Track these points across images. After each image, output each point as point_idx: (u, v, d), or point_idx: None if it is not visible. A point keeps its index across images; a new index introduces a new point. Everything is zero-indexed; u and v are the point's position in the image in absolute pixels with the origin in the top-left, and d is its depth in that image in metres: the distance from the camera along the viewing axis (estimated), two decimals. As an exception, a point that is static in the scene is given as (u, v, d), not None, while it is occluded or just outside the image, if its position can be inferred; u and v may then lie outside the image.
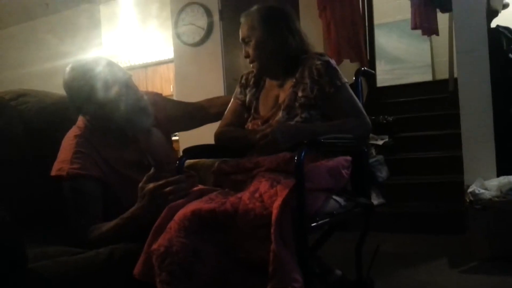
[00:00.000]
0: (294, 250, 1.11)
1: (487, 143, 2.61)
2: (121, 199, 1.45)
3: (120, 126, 1.49)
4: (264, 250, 1.10)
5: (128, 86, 1.49)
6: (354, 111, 1.51)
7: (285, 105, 1.52)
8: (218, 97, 1.91)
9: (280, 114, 1.52)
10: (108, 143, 1.50)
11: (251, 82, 1.69)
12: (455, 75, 2.94)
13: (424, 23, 4.12)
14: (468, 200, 2.36)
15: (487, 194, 2.31)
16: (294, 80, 1.55)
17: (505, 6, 3.71)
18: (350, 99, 1.52)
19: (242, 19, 1.63)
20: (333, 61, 1.56)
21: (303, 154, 1.19)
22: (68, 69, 1.48)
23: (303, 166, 1.19)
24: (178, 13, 3.73)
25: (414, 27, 4.19)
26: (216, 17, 3.60)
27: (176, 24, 3.76)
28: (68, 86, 1.48)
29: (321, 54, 1.57)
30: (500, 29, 3.26)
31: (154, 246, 1.19)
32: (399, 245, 2.63)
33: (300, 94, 1.51)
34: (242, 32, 1.62)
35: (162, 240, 1.19)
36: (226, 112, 1.71)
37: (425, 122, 3.80)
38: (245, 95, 1.68)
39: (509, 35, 3.26)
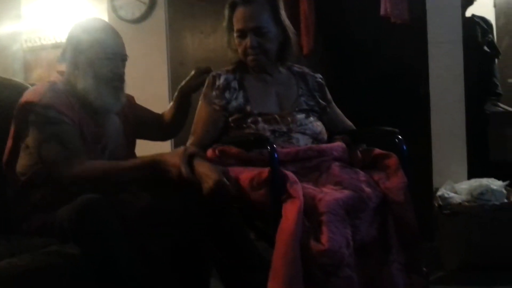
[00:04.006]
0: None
1: (458, 143, 2.75)
2: None
3: (90, 92, 1.63)
4: (376, 230, 1.45)
5: (121, 61, 1.71)
6: (346, 119, 1.91)
7: (300, 108, 1.78)
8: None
9: (297, 115, 1.75)
10: (80, 104, 1.64)
11: (236, 85, 1.76)
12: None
13: (395, 9, 4.25)
14: (436, 205, 2.47)
15: (456, 198, 2.43)
16: (299, 90, 1.83)
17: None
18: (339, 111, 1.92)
19: (248, 7, 1.71)
20: None
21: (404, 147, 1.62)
22: (85, 18, 1.80)
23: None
24: (115, -17, 3.64)
25: (384, 14, 4.32)
26: (160, -10, 3.54)
27: (112, -4, 3.66)
28: (79, 28, 1.70)
29: (313, 72, 1.92)
30: (476, 19, 3.43)
31: (324, 246, 1.28)
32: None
33: (306, 102, 1.82)
34: (254, 21, 1.70)
35: (335, 234, 1.30)
36: (199, 120, 1.76)
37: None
38: (226, 99, 1.74)
39: (484, 25, 3.44)
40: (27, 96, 1.60)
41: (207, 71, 1.89)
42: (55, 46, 4.73)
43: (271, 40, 1.74)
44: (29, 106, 1.56)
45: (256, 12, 1.71)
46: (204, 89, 1.81)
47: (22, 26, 4.68)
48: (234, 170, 1.54)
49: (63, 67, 1.72)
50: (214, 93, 1.75)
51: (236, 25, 1.74)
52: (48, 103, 1.55)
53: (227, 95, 1.75)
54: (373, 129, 1.91)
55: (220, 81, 1.76)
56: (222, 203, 1.46)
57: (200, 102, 1.80)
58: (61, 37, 4.98)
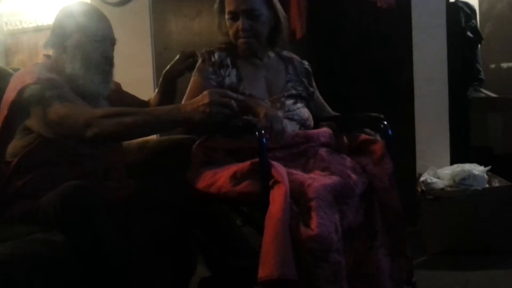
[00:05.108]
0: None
1: (441, 128, 2.77)
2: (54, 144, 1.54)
3: (78, 76, 1.61)
4: (362, 215, 1.46)
5: (111, 45, 1.71)
6: (329, 108, 1.94)
7: (288, 94, 1.77)
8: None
9: (286, 101, 1.74)
10: (70, 87, 1.59)
11: (229, 62, 1.73)
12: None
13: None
14: (420, 190, 2.49)
15: (439, 184, 2.45)
16: (287, 75, 1.82)
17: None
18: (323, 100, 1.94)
19: None
20: None
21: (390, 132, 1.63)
22: (73, 2, 1.74)
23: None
24: (97, -35, 3.55)
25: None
26: (144, -29, 3.47)
27: (95, -22, 3.58)
28: (66, 12, 1.68)
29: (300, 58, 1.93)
30: (459, 4, 3.44)
31: (313, 231, 1.27)
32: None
33: (295, 87, 1.81)
34: (246, 3, 1.67)
35: (324, 219, 1.30)
36: (193, 95, 1.66)
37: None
38: (222, 76, 1.71)
39: (467, 11, 3.45)
40: (20, 81, 1.54)
41: (192, 55, 1.86)
42: (37, 30, 4.62)
43: (263, 23, 1.72)
44: (26, 88, 1.51)
45: None
46: (198, 64, 1.76)
47: (2, 8, 4.57)
48: (222, 170, 1.54)
49: (49, 51, 1.68)
50: (210, 68, 1.72)
51: (228, 7, 1.71)
52: (44, 78, 1.52)
53: (222, 72, 1.72)
54: (359, 115, 1.91)
55: (215, 57, 1.74)
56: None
57: (194, 77, 1.75)
58: (43, 20, 4.87)
